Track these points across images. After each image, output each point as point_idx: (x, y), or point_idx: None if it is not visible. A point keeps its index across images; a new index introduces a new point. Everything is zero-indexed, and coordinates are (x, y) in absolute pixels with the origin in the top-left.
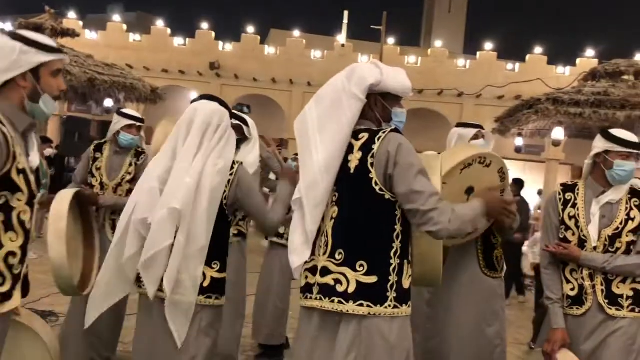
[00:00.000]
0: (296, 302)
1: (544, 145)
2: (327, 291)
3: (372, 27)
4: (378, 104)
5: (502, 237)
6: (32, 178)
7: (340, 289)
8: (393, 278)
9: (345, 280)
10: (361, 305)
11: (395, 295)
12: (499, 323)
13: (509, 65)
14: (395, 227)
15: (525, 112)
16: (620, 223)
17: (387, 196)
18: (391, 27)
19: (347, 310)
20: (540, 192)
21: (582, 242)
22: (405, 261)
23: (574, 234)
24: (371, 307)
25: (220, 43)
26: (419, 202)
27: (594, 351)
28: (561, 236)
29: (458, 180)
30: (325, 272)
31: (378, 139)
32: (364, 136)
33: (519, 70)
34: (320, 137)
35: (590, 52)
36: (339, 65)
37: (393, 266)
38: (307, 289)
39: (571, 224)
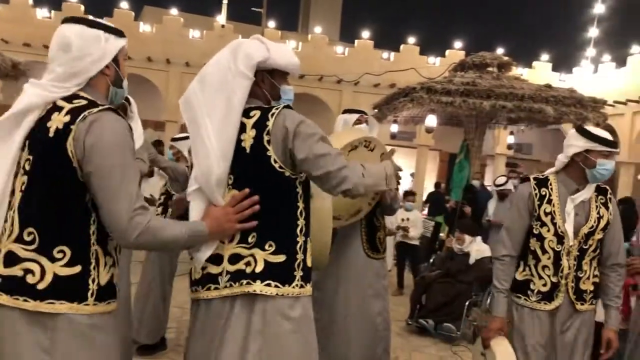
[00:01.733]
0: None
1: (415, 132)
2: (238, 276)
3: (252, 9)
4: (266, 82)
5: (384, 218)
6: None
7: (248, 270)
8: (300, 256)
9: (253, 260)
10: (269, 285)
11: (302, 274)
12: (382, 301)
13: (385, 54)
14: (298, 204)
15: (402, 100)
16: (594, 221)
17: (287, 173)
18: (271, 10)
19: (255, 290)
20: (412, 175)
21: (559, 239)
22: (308, 239)
23: (549, 231)
24: (279, 287)
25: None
26: (328, 164)
27: (572, 340)
28: (536, 232)
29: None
30: (237, 258)
31: (272, 116)
32: (256, 114)
33: (393, 59)
34: (211, 122)
35: (458, 44)
36: (219, 46)
37: (299, 244)
38: (209, 280)
39: (547, 220)
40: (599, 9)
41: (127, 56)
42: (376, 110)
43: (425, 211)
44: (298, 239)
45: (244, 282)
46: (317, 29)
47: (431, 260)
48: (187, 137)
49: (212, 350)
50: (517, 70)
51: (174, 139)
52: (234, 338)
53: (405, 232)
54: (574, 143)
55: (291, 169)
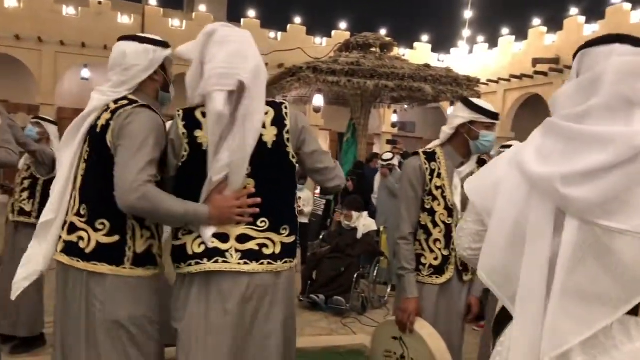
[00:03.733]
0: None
1: (305, 112)
2: (253, 255)
3: None
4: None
5: None
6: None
7: (267, 251)
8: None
9: (272, 244)
10: (286, 262)
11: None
12: None
13: (272, 34)
14: (296, 191)
15: (289, 80)
16: None
17: (296, 165)
18: None
19: (277, 269)
20: None
21: (450, 212)
22: None
23: (439, 204)
24: (291, 262)
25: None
26: (328, 161)
27: (461, 310)
28: (427, 207)
29: None
30: (247, 238)
31: (286, 115)
32: (269, 110)
33: (281, 39)
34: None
35: (343, 24)
36: (96, 24)
37: (297, 224)
38: (217, 253)
39: (438, 194)
40: None
41: (173, 62)
42: None
43: (318, 190)
44: (297, 219)
45: (265, 262)
46: (202, 8)
47: (321, 237)
48: (53, 122)
49: (242, 318)
50: (400, 51)
51: (39, 117)
52: (278, 304)
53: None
54: (459, 114)
55: (297, 162)
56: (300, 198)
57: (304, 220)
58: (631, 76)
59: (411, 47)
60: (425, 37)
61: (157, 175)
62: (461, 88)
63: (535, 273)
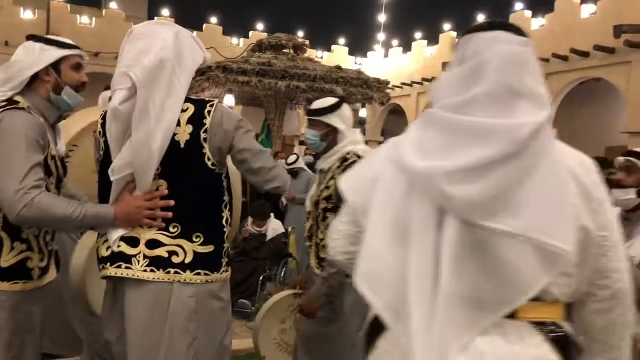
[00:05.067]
0: None
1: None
2: (161, 263)
3: None
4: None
5: None
6: (59, 164)
7: (176, 260)
8: (226, 245)
9: (182, 252)
10: (199, 274)
11: (226, 260)
12: None
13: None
14: (224, 197)
15: (198, 79)
16: (321, 191)
17: (217, 170)
18: None
19: (185, 280)
20: None
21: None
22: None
23: None
24: (208, 274)
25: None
26: (265, 161)
27: None
28: None
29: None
30: (157, 244)
31: (208, 113)
32: (189, 107)
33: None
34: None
35: (260, 26)
36: None
37: (225, 234)
38: (121, 259)
39: None
40: None
41: (81, 68)
42: None
43: None
44: (225, 229)
45: (172, 271)
46: (113, 5)
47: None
48: None
49: (149, 327)
50: (317, 54)
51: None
52: (175, 317)
53: None
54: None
55: (220, 165)
56: None
57: None
58: (516, 65)
59: (329, 50)
60: (342, 40)
61: (45, 179)
62: (371, 90)
63: (418, 277)
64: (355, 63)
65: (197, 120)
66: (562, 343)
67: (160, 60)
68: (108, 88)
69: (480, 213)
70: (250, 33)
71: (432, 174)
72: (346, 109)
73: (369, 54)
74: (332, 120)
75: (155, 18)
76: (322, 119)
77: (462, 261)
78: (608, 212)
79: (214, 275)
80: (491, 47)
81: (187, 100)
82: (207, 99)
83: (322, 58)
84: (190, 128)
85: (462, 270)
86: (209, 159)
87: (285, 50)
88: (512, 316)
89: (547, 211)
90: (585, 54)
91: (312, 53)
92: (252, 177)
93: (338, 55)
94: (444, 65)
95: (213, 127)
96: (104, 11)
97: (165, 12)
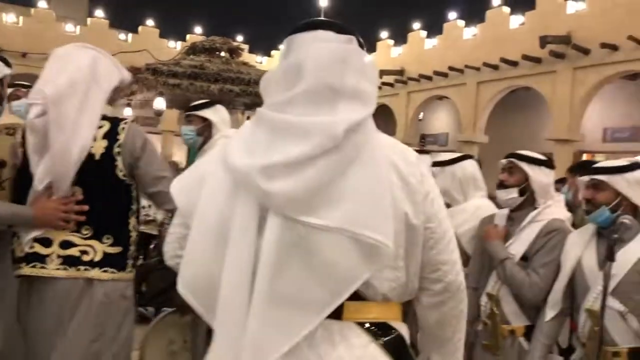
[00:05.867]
0: None
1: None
2: (73, 261)
3: None
4: None
5: None
6: None
7: (86, 258)
8: (132, 248)
9: (92, 251)
10: (106, 271)
11: (132, 262)
12: None
13: (122, 35)
14: (132, 206)
15: None
16: None
17: (128, 181)
18: None
19: (93, 276)
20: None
21: None
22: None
23: None
24: (115, 272)
25: None
26: (162, 185)
27: None
28: None
29: None
30: (69, 245)
31: (122, 130)
32: (104, 124)
33: (132, 41)
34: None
35: (199, 29)
36: None
37: (132, 238)
38: (36, 259)
39: None
40: (323, 1)
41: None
42: None
43: None
44: (132, 233)
45: (82, 268)
46: (42, 4)
47: (152, 246)
48: None
49: (61, 322)
50: (257, 59)
51: None
52: (81, 311)
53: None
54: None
55: (130, 177)
56: (150, 206)
57: (154, 231)
58: (335, 63)
59: (269, 55)
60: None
61: None
62: None
63: (236, 279)
64: (256, 61)
65: (111, 136)
66: (394, 344)
67: (73, 80)
68: (17, 98)
69: (298, 208)
70: (188, 36)
71: (248, 170)
72: (221, 108)
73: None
74: (207, 113)
75: (88, 20)
76: (198, 113)
77: (283, 260)
78: (435, 204)
79: (120, 274)
80: (309, 46)
81: (104, 117)
82: (120, 117)
83: (261, 63)
84: (105, 142)
85: (283, 269)
86: (120, 171)
87: (219, 53)
88: (338, 317)
89: (365, 203)
90: (514, 63)
91: (252, 58)
92: (150, 197)
93: (277, 60)
94: (381, 73)
95: (126, 143)
96: (32, 10)
97: (100, 12)
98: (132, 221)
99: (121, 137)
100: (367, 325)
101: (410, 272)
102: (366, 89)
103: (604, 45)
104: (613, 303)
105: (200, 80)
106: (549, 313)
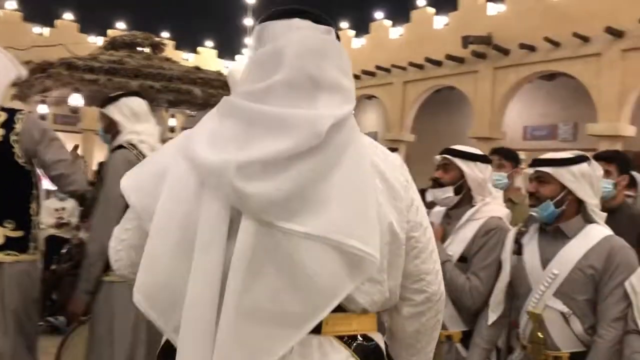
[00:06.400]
0: None
1: (79, 116)
2: None
3: None
4: None
5: None
6: None
7: None
8: (34, 231)
9: None
10: (9, 254)
11: (35, 244)
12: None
13: (37, 29)
14: (33, 191)
15: (38, 76)
16: None
17: (27, 168)
18: None
19: None
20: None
21: None
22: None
23: None
24: (17, 255)
25: None
26: (64, 168)
27: None
28: None
29: None
30: None
31: (19, 120)
32: (2, 115)
33: (49, 35)
34: None
35: (121, 24)
36: None
37: (34, 222)
38: None
39: None
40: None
41: None
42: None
43: None
44: (32, 217)
45: None
46: None
47: (65, 250)
48: None
49: None
50: (183, 55)
51: None
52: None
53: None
54: None
55: (30, 164)
56: (64, 209)
57: (68, 234)
58: (315, 53)
59: (196, 52)
60: (210, 43)
61: None
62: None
63: (203, 290)
64: (225, 67)
65: (8, 126)
66: (372, 356)
67: None
68: None
69: (276, 212)
70: (109, 31)
71: (223, 168)
72: (127, 102)
73: (237, 57)
74: (109, 110)
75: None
76: (102, 110)
77: (257, 270)
78: (419, 212)
79: (22, 256)
80: (288, 33)
81: (2, 109)
82: (17, 109)
83: (187, 60)
84: (2, 131)
85: (257, 280)
86: (18, 157)
87: (141, 48)
88: (316, 330)
89: (350, 210)
90: (438, 63)
91: (178, 54)
92: (54, 181)
93: (205, 57)
94: None
95: (23, 132)
96: None
97: (12, 4)
98: (33, 206)
99: (18, 126)
100: (348, 338)
101: (392, 284)
102: (346, 83)
103: (522, 46)
104: (555, 304)
105: (119, 76)
106: (492, 316)
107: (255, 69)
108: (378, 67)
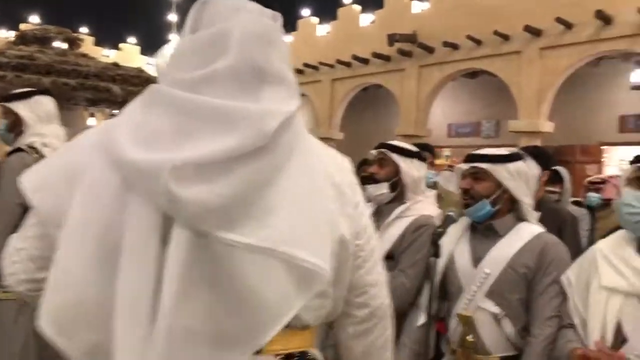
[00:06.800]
0: None
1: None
2: None
3: None
4: None
5: None
6: None
7: None
8: None
9: None
10: None
11: None
12: None
13: None
14: None
15: None
16: None
17: None
18: None
19: None
20: None
21: None
22: None
23: None
24: None
25: None
26: None
27: None
28: None
29: None
30: None
31: None
32: None
33: None
34: None
35: (36, 18)
36: None
37: None
38: None
39: None
40: None
41: None
42: None
43: None
44: None
45: None
46: None
47: None
48: None
49: None
50: (104, 52)
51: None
52: None
53: None
54: None
55: None
56: None
57: None
58: (263, 41)
59: (117, 48)
60: (133, 39)
61: None
62: None
63: (132, 311)
64: (148, 64)
65: None
66: None
67: None
68: None
69: (215, 221)
70: (22, 25)
71: (155, 168)
72: (42, 101)
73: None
74: (18, 107)
75: None
76: (7, 104)
77: (193, 286)
78: (363, 217)
79: None
80: (235, 15)
81: None
82: None
83: (108, 56)
84: None
85: (192, 298)
86: None
87: (55, 44)
88: (257, 350)
89: (299, 219)
90: (365, 61)
91: (98, 50)
92: None
93: (127, 54)
94: None
95: None
96: None
97: None
98: None
99: None
100: (288, 357)
101: (337, 297)
102: (290, 76)
103: (446, 44)
104: (487, 305)
105: (29, 72)
106: (421, 317)
107: (193, 53)
108: (306, 65)
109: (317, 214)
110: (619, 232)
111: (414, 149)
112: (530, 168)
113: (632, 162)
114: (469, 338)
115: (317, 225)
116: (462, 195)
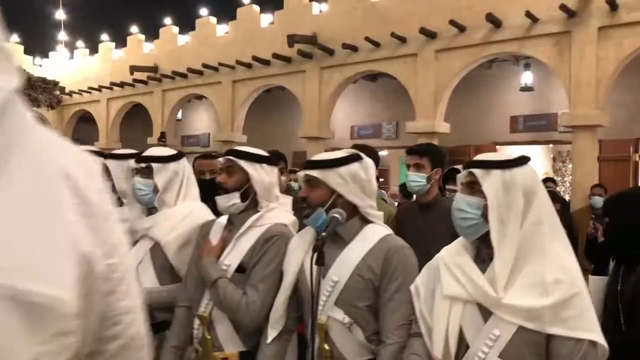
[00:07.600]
0: None
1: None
2: None
3: None
4: None
5: None
6: None
7: None
8: None
9: None
10: None
11: None
12: None
13: None
14: None
15: None
16: None
17: None
18: None
19: None
20: None
21: None
22: None
23: None
24: None
25: None
26: None
27: None
28: None
29: None
30: None
31: None
32: None
33: None
34: None
35: None
36: None
37: None
38: None
39: None
40: None
41: None
42: None
43: None
44: None
45: None
46: None
47: None
48: None
49: None
50: (36, 60)
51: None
52: None
53: None
54: None
55: None
56: None
57: None
58: None
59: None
60: (15, 37)
61: None
62: (36, 91)
63: None
64: (34, 64)
65: None
66: None
67: None
68: None
69: None
70: None
71: None
72: None
73: (51, 54)
74: None
75: None
76: None
77: None
78: (116, 231)
79: None
80: None
81: None
82: None
83: (40, 66)
84: None
85: None
86: None
87: None
88: None
89: (25, 238)
90: (266, 62)
91: (28, 59)
92: None
93: None
94: (132, 69)
95: None
96: None
97: None
98: None
99: None
100: None
101: (87, 332)
102: (5, 45)
103: (345, 46)
104: (337, 314)
105: None
106: (271, 333)
107: None
108: (205, 66)
109: (50, 229)
110: (460, 238)
111: (263, 153)
112: (366, 168)
113: (465, 167)
114: (326, 346)
115: (51, 244)
116: (302, 203)
